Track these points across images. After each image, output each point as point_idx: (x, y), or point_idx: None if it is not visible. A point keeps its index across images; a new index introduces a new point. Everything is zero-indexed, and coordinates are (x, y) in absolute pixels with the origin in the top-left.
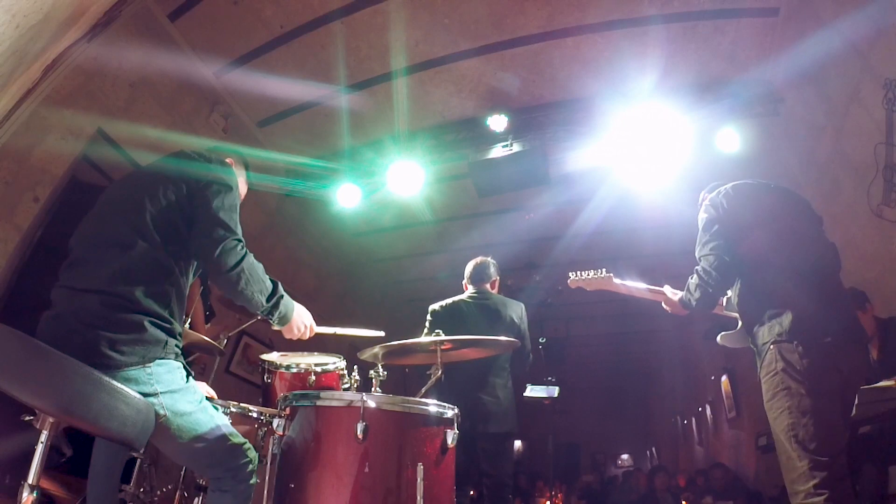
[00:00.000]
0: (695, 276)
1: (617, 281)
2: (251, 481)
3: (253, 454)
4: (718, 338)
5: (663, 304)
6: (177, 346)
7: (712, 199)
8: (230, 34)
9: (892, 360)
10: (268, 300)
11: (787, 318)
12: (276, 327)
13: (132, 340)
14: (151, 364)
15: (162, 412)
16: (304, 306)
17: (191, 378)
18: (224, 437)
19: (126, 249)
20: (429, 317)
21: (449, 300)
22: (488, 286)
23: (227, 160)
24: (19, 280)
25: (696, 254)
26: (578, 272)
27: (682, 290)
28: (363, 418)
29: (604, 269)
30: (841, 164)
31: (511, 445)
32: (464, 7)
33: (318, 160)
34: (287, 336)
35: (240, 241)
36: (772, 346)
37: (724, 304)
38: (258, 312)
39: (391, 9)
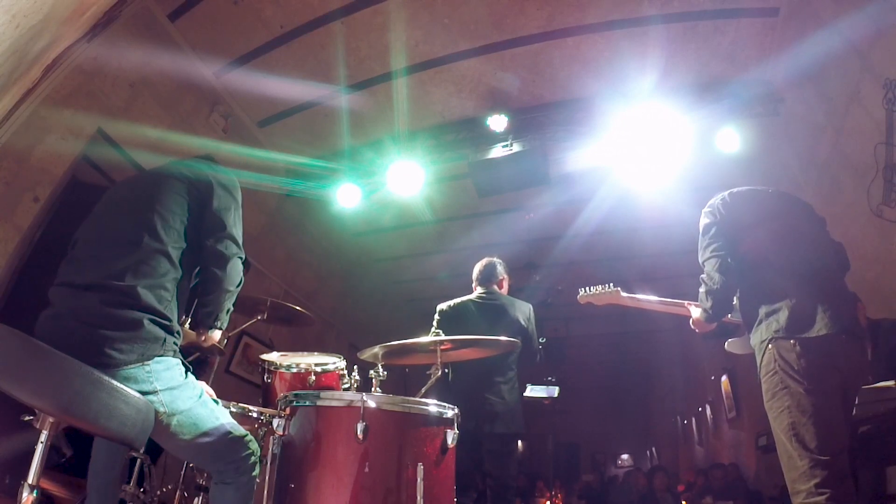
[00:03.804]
0: (701, 285)
1: (625, 294)
2: (254, 473)
3: (255, 446)
4: (726, 345)
5: (691, 323)
6: (175, 343)
7: (710, 204)
8: (230, 34)
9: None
10: (227, 315)
11: (783, 315)
12: (205, 333)
13: (130, 338)
14: (150, 362)
15: (161, 409)
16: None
17: (189, 374)
18: (225, 431)
19: (132, 246)
20: (436, 315)
21: (457, 300)
22: (496, 286)
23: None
24: (19, 280)
25: (699, 260)
26: (587, 288)
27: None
28: (363, 418)
29: (611, 284)
30: (841, 164)
31: (516, 447)
32: (464, 7)
33: (318, 160)
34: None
35: (243, 259)
36: (770, 346)
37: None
38: (210, 320)
39: (391, 9)
